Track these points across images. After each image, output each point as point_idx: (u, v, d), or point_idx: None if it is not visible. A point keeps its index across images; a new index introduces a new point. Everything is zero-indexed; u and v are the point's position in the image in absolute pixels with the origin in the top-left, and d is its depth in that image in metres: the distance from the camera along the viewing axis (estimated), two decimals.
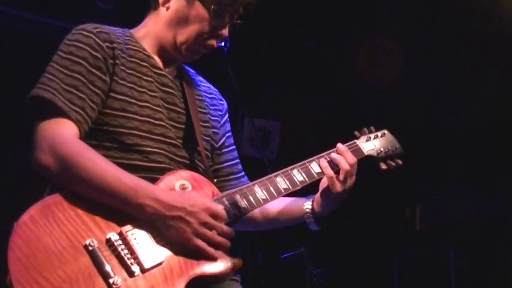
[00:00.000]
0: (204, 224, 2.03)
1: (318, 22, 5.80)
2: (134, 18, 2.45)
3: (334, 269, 5.74)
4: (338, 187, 2.28)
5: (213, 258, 2.04)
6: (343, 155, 2.32)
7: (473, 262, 5.93)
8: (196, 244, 2.02)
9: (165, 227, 2.02)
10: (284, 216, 2.45)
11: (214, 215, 2.06)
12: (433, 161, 6.29)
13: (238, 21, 2.32)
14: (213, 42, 2.32)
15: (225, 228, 2.09)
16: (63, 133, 2.04)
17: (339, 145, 2.37)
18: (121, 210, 2.01)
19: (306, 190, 2.37)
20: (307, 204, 2.38)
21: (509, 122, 5.63)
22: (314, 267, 5.17)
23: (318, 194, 2.37)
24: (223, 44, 2.46)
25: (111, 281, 1.88)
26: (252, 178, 2.34)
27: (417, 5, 5.45)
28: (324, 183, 2.35)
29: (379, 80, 5.79)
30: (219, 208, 2.10)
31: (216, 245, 2.06)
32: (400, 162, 2.51)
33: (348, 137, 2.48)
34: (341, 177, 2.29)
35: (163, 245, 2.02)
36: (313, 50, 6.17)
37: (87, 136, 2.12)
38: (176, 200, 2.03)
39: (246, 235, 2.72)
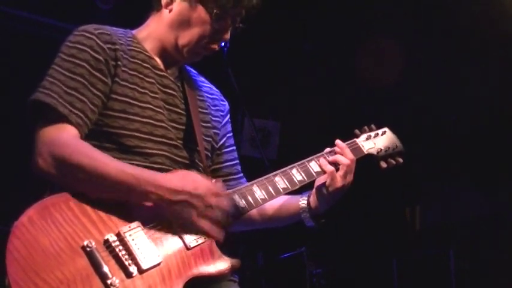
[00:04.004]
0: (210, 206, 2.06)
1: (318, 23, 5.80)
2: (134, 19, 2.45)
3: (334, 269, 5.74)
4: (338, 183, 2.28)
5: (217, 239, 2.07)
6: (342, 151, 2.33)
7: (473, 262, 5.93)
8: (201, 226, 2.05)
9: (170, 212, 2.03)
10: (281, 214, 2.45)
11: (217, 193, 2.09)
12: (433, 161, 6.29)
13: (241, 24, 2.32)
14: (215, 45, 2.32)
15: (229, 202, 2.11)
16: (63, 136, 2.05)
17: (338, 141, 2.37)
18: (125, 201, 2.02)
19: (303, 188, 2.37)
20: (303, 201, 2.38)
21: (509, 122, 5.63)
22: (314, 267, 5.18)
23: (314, 191, 2.37)
24: (223, 44, 2.46)
25: (108, 281, 1.88)
26: (252, 178, 2.34)
27: (417, 5, 5.46)
28: (320, 180, 2.35)
29: (380, 80, 5.79)
30: (219, 185, 2.13)
31: (220, 225, 2.09)
32: (400, 160, 2.51)
33: (348, 137, 2.48)
34: (341, 172, 2.29)
35: (162, 246, 2.02)
36: (313, 50, 6.17)
37: (87, 137, 2.12)
38: (179, 184, 2.04)
39: (246, 235, 2.72)
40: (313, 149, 2.41)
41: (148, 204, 2.04)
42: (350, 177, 2.31)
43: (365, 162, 2.45)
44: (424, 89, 6.00)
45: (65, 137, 2.05)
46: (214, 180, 2.17)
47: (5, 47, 4.94)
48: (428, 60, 5.85)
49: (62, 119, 2.06)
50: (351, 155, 2.33)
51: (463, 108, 6.06)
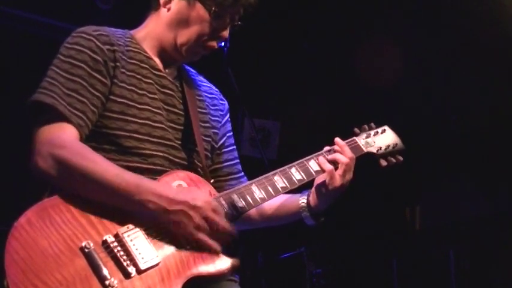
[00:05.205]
0: (206, 219, 2.04)
1: (318, 22, 5.80)
2: (134, 19, 2.45)
3: (334, 269, 5.74)
4: (337, 181, 2.28)
5: (215, 252, 2.05)
6: (342, 149, 2.33)
7: (473, 262, 5.93)
8: (198, 237, 2.03)
9: (167, 221, 2.02)
10: (280, 213, 2.45)
11: (215, 210, 2.07)
12: (433, 161, 6.29)
13: (239, 22, 2.32)
14: (214, 43, 2.32)
15: (226, 223, 2.09)
16: (63, 137, 2.05)
17: (337, 139, 2.37)
18: (123, 208, 2.02)
19: (303, 187, 2.37)
20: (302, 199, 2.38)
21: (509, 122, 5.62)
22: (314, 267, 5.18)
23: (314, 189, 2.37)
24: (223, 44, 2.46)
25: (107, 282, 1.88)
26: (252, 178, 2.33)
27: (417, 5, 5.46)
28: (320, 179, 2.35)
29: (379, 80, 5.79)
30: (218, 205, 2.11)
31: (217, 240, 2.06)
32: (400, 158, 2.51)
33: (347, 136, 2.48)
34: (340, 171, 2.29)
35: (160, 246, 2.02)
36: (313, 50, 6.17)
37: (86, 138, 2.12)
38: (178, 194, 2.04)
39: (246, 235, 2.72)
40: (313, 148, 2.41)
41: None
42: (349, 176, 2.31)
43: (365, 161, 2.45)
44: (424, 89, 6.00)
45: (65, 138, 2.05)
46: (212, 198, 2.15)
47: (5, 47, 4.93)
48: (428, 60, 5.85)
49: (62, 119, 2.06)
50: (350, 154, 2.33)
51: (463, 108, 6.06)
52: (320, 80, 6.31)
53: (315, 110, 6.25)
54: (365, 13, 5.62)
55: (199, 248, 2.05)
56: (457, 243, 6.03)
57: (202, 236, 2.04)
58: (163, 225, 2.03)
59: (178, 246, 2.03)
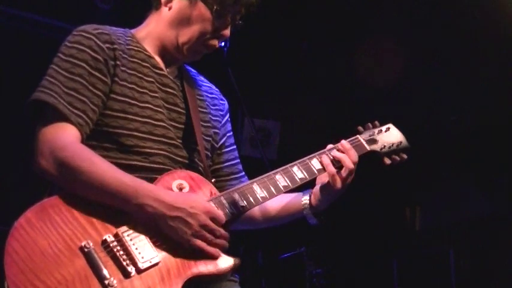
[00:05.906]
0: (204, 227, 2.03)
1: (318, 22, 5.80)
2: (134, 18, 2.45)
3: (334, 269, 5.74)
4: (339, 184, 2.27)
5: (213, 257, 2.04)
6: (347, 153, 2.31)
7: (473, 262, 5.93)
8: (195, 244, 2.02)
9: (164, 226, 2.01)
10: (283, 212, 2.44)
11: (214, 218, 2.06)
12: (434, 161, 6.29)
13: (240, 21, 2.32)
14: (215, 42, 2.32)
15: (223, 232, 2.08)
16: (64, 137, 2.04)
17: (343, 142, 2.35)
18: (120, 210, 2.01)
19: (304, 186, 2.37)
20: (304, 199, 2.37)
21: (509, 122, 5.63)
22: (314, 267, 5.18)
23: (316, 188, 2.36)
24: (223, 44, 2.46)
25: (106, 282, 1.88)
26: (252, 178, 2.33)
27: (417, 5, 5.46)
28: (321, 178, 2.34)
29: (380, 79, 5.79)
30: (219, 212, 2.10)
31: (215, 246, 2.06)
32: (405, 156, 2.48)
33: (348, 136, 2.47)
34: (343, 174, 2.28)
35: (160, 246, 2.02)
36: (313, 50, 6.17)
37: (87, 137, 2.12)
38: (177, 200, 2.03)
39: (246, 234, 2.72)
40: (313, 148, 2.40)
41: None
42: (351, 178, 2.31)
43: (365, 161, 2.44)
44: (424, 89, 6.00)
45: (66, 139, 2.04)
46: (212, 204, 2.15)
47: (5, 47, 4.94)
48: (428, 60, 5.85)
49: (63, 118, 2.06)
50: (355, 158, 2.30)
51: (463, 108, 6.06)
52: (320, 80, 6.31)
53: (315, 110, 6.25)
54: (365, 13, 5.62)
55: (198, 250, 2.04)
56: (457, 243, 6.03)
57: (200, 243, 2.03)
58: (159, 230, 2.02)
59: (179, 245, 2.03)
